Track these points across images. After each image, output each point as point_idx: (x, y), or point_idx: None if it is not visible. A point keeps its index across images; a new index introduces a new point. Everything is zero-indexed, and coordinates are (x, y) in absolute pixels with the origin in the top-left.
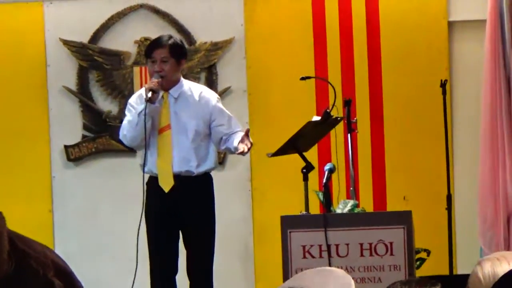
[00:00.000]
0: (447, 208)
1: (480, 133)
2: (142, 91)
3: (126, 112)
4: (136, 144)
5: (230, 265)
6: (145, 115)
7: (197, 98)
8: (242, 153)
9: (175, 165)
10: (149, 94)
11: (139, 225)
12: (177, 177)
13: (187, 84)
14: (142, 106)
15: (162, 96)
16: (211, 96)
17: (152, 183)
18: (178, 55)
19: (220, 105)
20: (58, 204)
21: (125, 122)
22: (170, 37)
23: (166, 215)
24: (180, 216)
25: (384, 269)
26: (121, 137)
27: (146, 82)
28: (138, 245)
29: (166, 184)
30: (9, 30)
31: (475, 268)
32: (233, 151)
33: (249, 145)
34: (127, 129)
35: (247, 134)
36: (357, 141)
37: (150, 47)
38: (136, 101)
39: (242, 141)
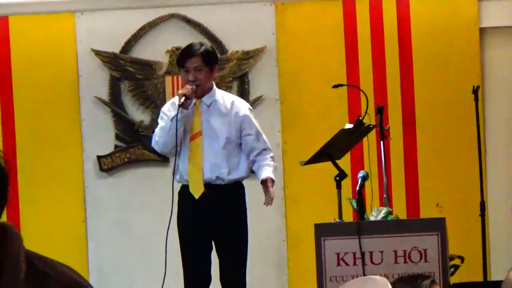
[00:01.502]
0: (481, 214)
1: None
2: (175, 99)
3: (159, 120)
4: (167, 150)
5: (263, 274)
6: (177, 120)
7: (229, 106)
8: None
9: (205, 172)
10: (182, 100)
11: (167, 232)
12: (208, 185)
13: (219, 93)
14: (175, 112)
15: (195, 103)
16: (243, 105)
17: (184, 193)
18: (211, 62)
19: (251, 116)
20: (91, 215)
21: (157, 128)
22: (201, 44)
23: (199, 224)
24: (212, 225)
25: None
26: (153, 144)
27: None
28: (168, 253)
29: (196, 190)
30: (41, 41)
31: (508, 274)
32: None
33: (272, 197)
34: (159, 135)
35: (270, 184)
36: (390, 148)
37: (182, 56)
38: (169, 108)
39: (265, 190)
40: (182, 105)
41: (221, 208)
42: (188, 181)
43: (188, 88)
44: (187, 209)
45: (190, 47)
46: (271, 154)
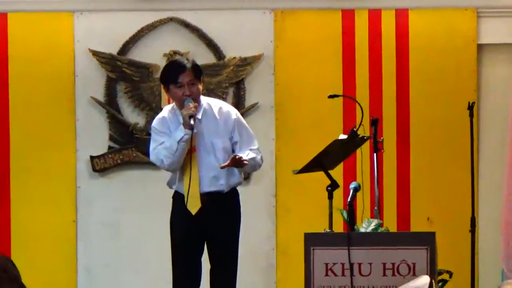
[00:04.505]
0: (471, 230)
1: (507, 156)
2: (164, 113)
3: (155, 137)
4: (174, 169)
5: (252, 281)
6: (191, 142)
7: (217, 115)
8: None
9: (204, 186)
10: (192, 122)
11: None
12: (205, 194)
13: (205, 101)
14: (181, 134)
15: None
16: (231, 110)
17: (179, 198)
18: (200, 74)
19: (240, 120)
20: (82, 215)
21: (159, 147)
22: (187, 58)
23: (193, 230)
24: (206, 229)
25: None
26: (154, 160)
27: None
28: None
29: (193, 206)
30: (39, 39)
31: None
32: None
33: (229, 164)
34: (165, 155)
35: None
36: (383, 161)
37: (173, 72)
38: (159, 123)
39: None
40: (191, 127)
41: (218, 214)
42: (184, 195)
43: (192, 107)
44: (182, 214)
45: (178, 62)
46: (260, 155)
